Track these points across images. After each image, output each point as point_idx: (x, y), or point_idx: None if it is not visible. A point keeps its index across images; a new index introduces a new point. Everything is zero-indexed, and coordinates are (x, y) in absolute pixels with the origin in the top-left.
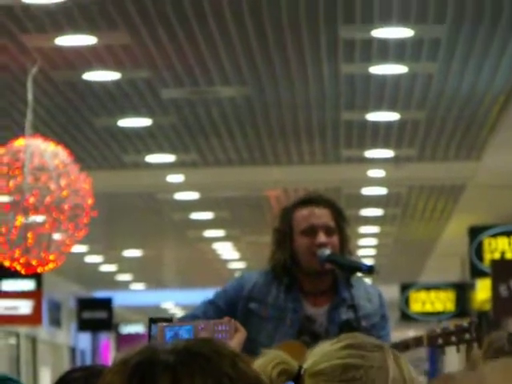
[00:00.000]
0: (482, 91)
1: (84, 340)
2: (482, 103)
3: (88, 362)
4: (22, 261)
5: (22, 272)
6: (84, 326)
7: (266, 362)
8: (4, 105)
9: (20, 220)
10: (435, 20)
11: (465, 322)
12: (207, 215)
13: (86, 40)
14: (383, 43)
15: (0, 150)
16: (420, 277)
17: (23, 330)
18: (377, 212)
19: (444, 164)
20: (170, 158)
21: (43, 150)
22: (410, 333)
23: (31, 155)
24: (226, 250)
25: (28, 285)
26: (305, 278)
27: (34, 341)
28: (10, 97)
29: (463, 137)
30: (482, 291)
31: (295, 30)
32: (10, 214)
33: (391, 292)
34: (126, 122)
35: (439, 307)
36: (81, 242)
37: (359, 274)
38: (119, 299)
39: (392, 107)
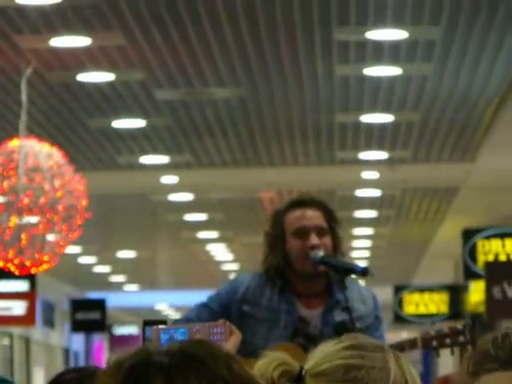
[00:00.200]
0: (477, 93)
1: (77, 341)
2: (477, 105)
3: (81, 363)
4: (15, 262)
5: (16, 273)
6: (77, 326)
7: (267, 363)
8: None
9: (14, 221)
10: (430, 22)
11: (459, 325)
12: (201, 216)
13: (80, 41)
14: (378, 45)
15: None
16: (413, 278)
17: (17, 330)
18: (371, 214)
19: (438, 166)
20: (164, 159)
21: (37, 151)
22: (404, 335)
23: (25, 156)
24: (220, 252)
25: (22, 286)
26: (298, 280)
27: (27, 342)
28: (4, 98)
29: (457, 138)
30: (476, 293)
31: (289, 31)
32: (4, 214)
33: (384, 294)
34: (120, 123)
35: (433, 309)
36: (75, 243)
37: (353, 276)
38: (113, 300)
39: (386, 109)
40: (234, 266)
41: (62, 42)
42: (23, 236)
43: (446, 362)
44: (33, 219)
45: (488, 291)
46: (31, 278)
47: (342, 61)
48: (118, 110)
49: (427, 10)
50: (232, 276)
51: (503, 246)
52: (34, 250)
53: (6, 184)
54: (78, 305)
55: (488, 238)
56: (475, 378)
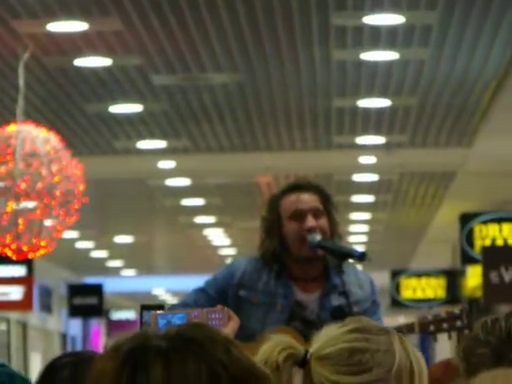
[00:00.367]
0: (474, 77)
1: (75, 326)
2: (474, 89)
3: (79, 348)
4: (13, 247)
5: (13, 258)
6: (75, 311)
7: (272, 347)
8: None
9: (11, 206)
10: (427, 6)
11: (456, 309)
12: (198, 201)
13: (77, 26)
14: (375, 29)
15: None
16: (411, 263)
17: (14, 315)
18: (368, 198)
19: (435, 150)
20: (161, 144)
21: (35, 136)
22: (401, 319)
23: (23, 141)
24: (217, 236)
25: (19, 271)
26: (294, 264)
27: (24, 327)
28: (1, 83)
29: (455, 123)
30: (473, 278)
31: (287, 16)
32: (1, 199)
33: (382, 278)
34: (117, 108)
35: (430, 294)
36: (72, 228)
37: (350, 261)
38: (110, 285)
39: (383, 93)
40: (231, 251)
41: (59, 26)
42: (20, 221)
43: (444, 347)
44: (30, 204)
45: (485, 276)
46: (28, 263)
47: (339, 45)
48: (115, 94)
49: None
50: (229, 261)
51: (500, 230)
52: (31, 235)
53: (3, 169)
54: (76, 290)
55: (485, 222)
56: (467, 364)
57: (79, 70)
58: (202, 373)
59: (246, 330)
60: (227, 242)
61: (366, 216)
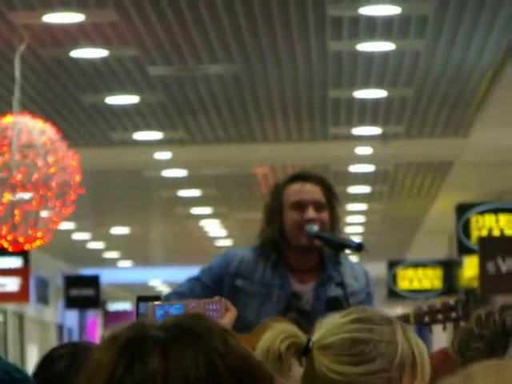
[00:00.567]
0: (470, 68)
1: (71, 317)
2: (470, 80)
3: (75, 339)
4: (9, 238)
5: (9, 249)
6: (71, 303)
7: (274, 335)
8: None
9: (7, 197)
10: None
11: (451, 300)
12: (195, 192)
13: (73, 17)
14: (371, 20)
15: None
16: (407, 254)
17: (10, 307)
18: (364, 189)
19: (431, 141)
20: (157, 135)
21: (31, 128)
22: (398, 310)
23: (19, 132)
24: (214, 228)
25: (15, 262)
26: (292, 254)
27: (21, 318)
28: None
29: (451, 114)
30: (470, 268)
31: (283, 7)
32: None
33: (378, 269)
34: (113, 100)
35: (427, 284)
36: (68, 219)
37: (347, 251)
38: (106, 276)
39: (379, 84)
40: (228, 242)
41: (55, 18)
42: (16, 212)
43: (440, 338)
44: (26, 195)
45: (482, 266)
46: (25, 255)
47: (335, 36)
48: (111, 86)
49: None
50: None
51: (497, 221)
52: (27, 227)
53: None
54: (72, 281)
55: (482, 213)
56: (462, 358)
57: (75, 61)
58: (200, 363)
59: (242, 320)
60: (223, 233)
61: (363, 207)
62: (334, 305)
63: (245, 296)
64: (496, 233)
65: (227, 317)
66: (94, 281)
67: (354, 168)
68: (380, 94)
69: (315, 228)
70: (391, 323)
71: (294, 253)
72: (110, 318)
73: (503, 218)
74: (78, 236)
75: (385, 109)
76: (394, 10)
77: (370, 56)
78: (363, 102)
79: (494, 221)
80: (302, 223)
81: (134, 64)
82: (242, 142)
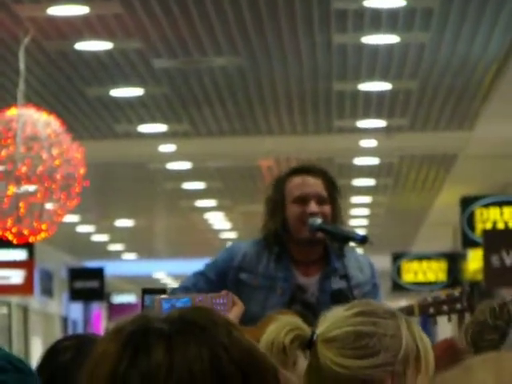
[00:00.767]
0: (475, 61)
1: (76, 310)
2: (475, 73)
3: (80, 331)
4: (13, 230)
5: (14, 241)
6: (76, 295)
7: (279, 328)
8: None
9: (12, 189)
10: None
11: (456, 292)
12: (199, 185)
13: (78, 10)
14: (375, 13)
15: None
16: (412, 246)
17: (15, 299)
18: (369, 182)
19: (436, 134)
20: (162, 127)
21: (35, 120)
22: (402, 303)
23: (23, 125)
24: (218, 220)
25: (20, 254)
26: (295, 247)
27: (25, 310)
28: (2, 66)
29: (455, 106)
30: (474, 261)
31: (288, 0)
32: (2, 183)
33: (383, 262)
34: (118, 92)
35: (431, 277)
36: (73, 212)
37: (351, 244)
38: (111, 269)
39: (384, 77)
40: (232, 235)
41: (60, 10)
42: (21, 205)
43: (445, 330)
44: (31, 188)
45: (486, 259)
46: (29, 247)
47: (339, 29)
48: (115, 78)
49: None
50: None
51: (501, 214)
52: (32, 219)
53: (4, 153)
54: (77, 273)
55: (486, 206)
56: (476, 349)
57: (80, 53)
58: (204, 356)
59: (247, 313)
60: (228, 225)
61: (367, 199)
62: (339, 297)
63: (249, 289)
64: (500, 226)
65: (234, 311)
66: (98, 273)
67: (359, 161)
68: (385, 86)
69: (318, 221)
70: (395, 317)
71: (297, 246)
72: (114, 310)
73: (508, 211)
74: (83, 228)
75: (389, 101)
76: (399, 3)
77: (374, 49)
78: (368, 94)
79: (499, 213)
80: (304, 217)
81: (138, 56)
82: (247, 134)
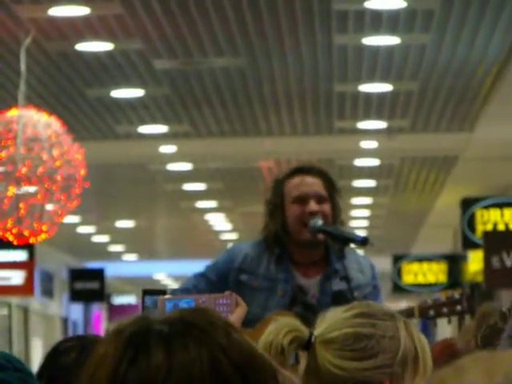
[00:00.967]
0: (475, 62)
1: (76, 311)
2: (475, 74)
3: (80, 332)
4: (14, 231)
5: (15, 242)
6: (76, 296)
7: (277, 329)
8: None
9: (12, 190)
10: None
11: (456, 294)
12: (200, 186)
13: (79, 10)
14: (376, 14)
15: None
16: (412, 248)
17: (15, 300)
18: (369, 183)
19: (437, 135)
20: (162, 128)
21: (36, 121)
22: (403, 304)
23: (24, 126)
24: (219, 221)
25: (20, 255)
26: (296, 248)
27: (25, 311)
28: (2, 68)
29: (456, 108)
30: (475, 263)
31: (288, 1)
32: (3, 184)
33: (383, 263)
34: (118, 93)
35: (431, 279)
36: (73, 213)
37: (352, 246)
38: (111, 270)
39: (385, 78)
40: (233, 236)
41: (60, 11)
42: (22, 205)
43: (445, 333)
44: (31, 189)
45: (486, 261)
46: (30, 248)
47: (340, 30)
48: (116, 79)
49: None
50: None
51: (502, 215)
52: (32, 220)
53: (4, 154)
54: (77, 274)
55: (486, 207)
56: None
57: (81, 54)
58: (203, 357)
59: (248, 314)
60: (228, 226)
61: (368, 201)
62: (339, 299)
63: (250, 291)
64: (501, 227)
65: (237, 312)
66: (98, 274)
67: (359, 162)
68: (385, 88)
69: (319, 222)
70: (394, 318)
71: (298, 247)
72: (114, 311)
73: (508, 213)
74: (83, 229)
75: (390, 103)
76: (400, 4)
77: (375, 50)
78: (368, 95)
79: (499, 215)
80: (304, 216)
81: (139, 57)
82: (247, 135)
